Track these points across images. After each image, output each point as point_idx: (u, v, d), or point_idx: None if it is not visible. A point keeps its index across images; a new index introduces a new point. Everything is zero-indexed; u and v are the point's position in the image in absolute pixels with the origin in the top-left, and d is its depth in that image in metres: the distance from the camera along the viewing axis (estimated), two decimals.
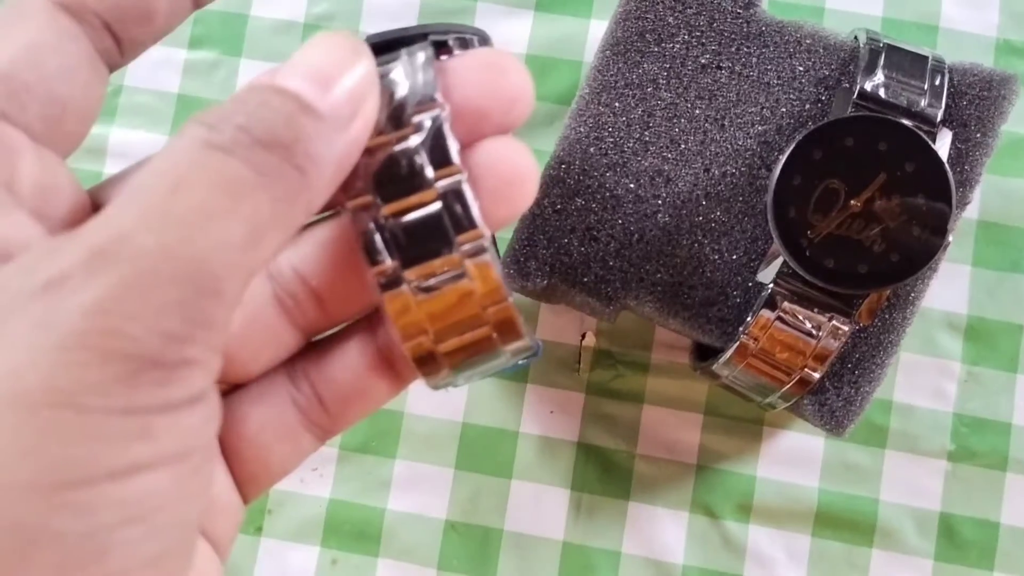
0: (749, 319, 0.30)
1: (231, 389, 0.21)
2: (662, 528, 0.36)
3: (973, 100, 0.31)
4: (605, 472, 0.36)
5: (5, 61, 0.17)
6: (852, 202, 0.29)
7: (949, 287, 0.36)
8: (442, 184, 0.18)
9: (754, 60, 0.31)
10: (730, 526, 0.36)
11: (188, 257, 0.15)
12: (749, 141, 0.31)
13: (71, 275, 0.14)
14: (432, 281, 0.18)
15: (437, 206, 0.18)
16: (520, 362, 0.21)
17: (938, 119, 0.29)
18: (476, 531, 0.36)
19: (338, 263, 0.20)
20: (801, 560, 0.35)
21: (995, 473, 0.35)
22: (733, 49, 0.31)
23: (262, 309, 0.20)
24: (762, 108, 0.31)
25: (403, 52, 0.19)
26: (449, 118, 0.18)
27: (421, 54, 0.19)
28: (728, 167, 0.31)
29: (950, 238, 0.29)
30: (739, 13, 0.31)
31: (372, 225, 0.18)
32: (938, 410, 0.36)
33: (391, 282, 0.18)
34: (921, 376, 0.36)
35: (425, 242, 0.18)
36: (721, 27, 0.31)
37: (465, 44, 0.21)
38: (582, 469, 0.36)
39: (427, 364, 0.19)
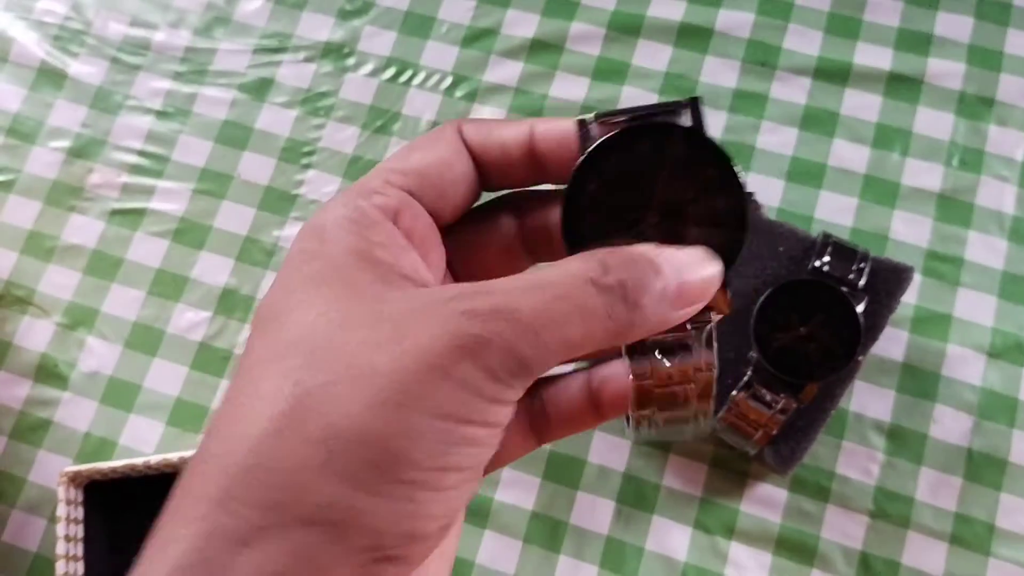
0: (734, 393, 0.50)
1: None
2: (673, 536, 0.54)
3: (885, 279, 0.51)
4: (640, 494, 0.55)
5: (425, 164, 0.25)
6: (801, 328, 0.49)
7: (880, 403, 0.55)
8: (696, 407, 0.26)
9: (754, 241, 0.52)
10: (719, 540, 0.54)
11: (535, 337, 0.21)
12: (745, 287, 0.51)
13: (470, 299, 0.21)
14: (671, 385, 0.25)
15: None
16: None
17: (860, 287, 0.49)
18: (551, 521, 0.55)
19: None
20: (765, 569, 0.53)
21: (901, 529, 0.53)
22: None
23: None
24: (755, 269, 0.52)
25: (690, 329, 0.25)
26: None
27: (707, 328, 0.25)
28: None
29: (860, 358, 0.49)
30: None
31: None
32: (865, 482, 0.54)
33: (640, 375, 0.25)
34: (856, 458, 0.54)
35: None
36: None
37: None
38: (625, 490, 0.55)
39: (640, 424, 0.26)
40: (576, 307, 0.21)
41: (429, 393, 0.20)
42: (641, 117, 0.25)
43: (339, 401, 0.20)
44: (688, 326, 0.24)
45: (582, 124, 0.25)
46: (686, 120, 0.25)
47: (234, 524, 0.20)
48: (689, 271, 0.23)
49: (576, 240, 0.25)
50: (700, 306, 0.23)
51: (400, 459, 0.20)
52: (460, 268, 0.27)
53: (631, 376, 0.25)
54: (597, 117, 0.25)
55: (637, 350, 0.25)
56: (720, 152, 0.25)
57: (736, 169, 0.25)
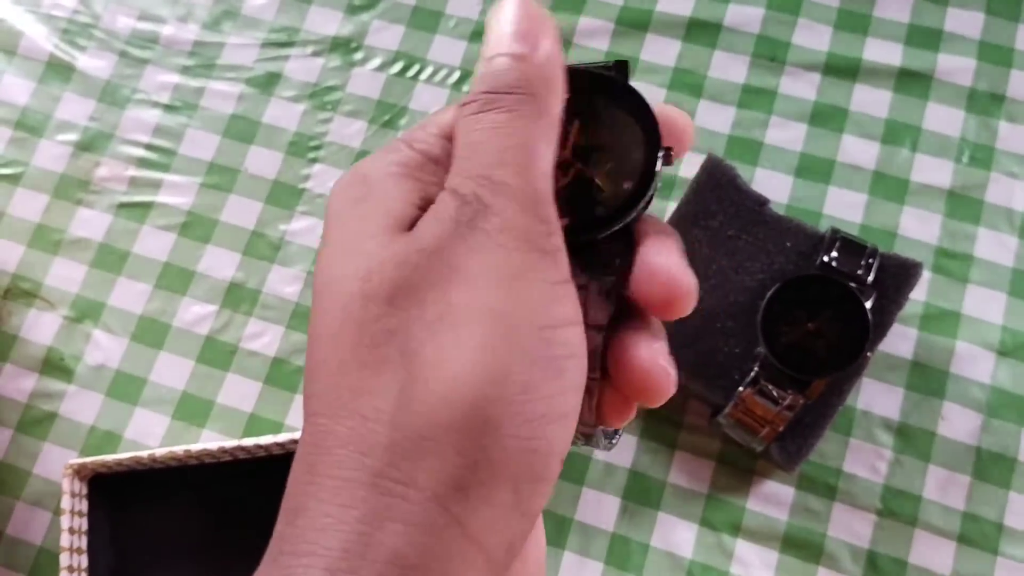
0: (741, 389, 0.49)
1: None
2: (679, 533, 0.54)
3: (893, 275, 0.51)
4: (645, 491, 0.55)
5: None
6: (808, 324, 0.49)
7: (888, 400, 0.54)
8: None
9: (761, 236, 0.52)
10: (725, 538, 0.53)
11: (501, 172, 0.23)
12: (752, 283, 0.51)
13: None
14: None
15: None
16: None
17: (868, 283, 0.49)
18: (556, 516, 0.54)
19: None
20: (770, 567, 0.53)
21: (908, 527, 0.53)
22: (750, 228, 0.52)
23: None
24: (762, 264, 0.51)
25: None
26: None
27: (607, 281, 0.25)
28: (739, 297, 0.51)
29: (868, 354, 0.48)
30: (756, 208, 0.52)
31: None
32: (872, 480, 0.53)
33: None
34: (863, 456, 0.54)
35: None
36: (744, 215, 0.52)
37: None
38: (631, 486, 0.55)
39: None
40: (492, 142, 0.23)
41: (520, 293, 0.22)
42: (571, 70, 0.26)
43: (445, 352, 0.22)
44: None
45: None
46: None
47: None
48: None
49: None
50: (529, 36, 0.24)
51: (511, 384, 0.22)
52: None
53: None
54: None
55: None
56: (639, 104, 0.26)
57: (652, 122, 0.25)
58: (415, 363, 0.21)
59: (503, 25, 0.24)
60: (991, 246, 0.57)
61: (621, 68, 0.27)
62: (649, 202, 0.25)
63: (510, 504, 0.22)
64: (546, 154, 0.23)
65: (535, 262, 0.22)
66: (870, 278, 0.49)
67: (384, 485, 0.21)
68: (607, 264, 0.25)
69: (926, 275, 0.56)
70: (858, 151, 0.59)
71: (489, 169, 0.23)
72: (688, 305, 0.25)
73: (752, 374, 0.49)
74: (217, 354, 0.59)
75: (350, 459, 0.21)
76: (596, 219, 0.25)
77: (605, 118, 0.26)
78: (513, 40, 0.24)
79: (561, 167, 0.25)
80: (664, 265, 0.25)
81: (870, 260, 0.50)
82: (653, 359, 0.25)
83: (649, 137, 0.25)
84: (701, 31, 0.62)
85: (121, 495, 0.56)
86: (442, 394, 0.21)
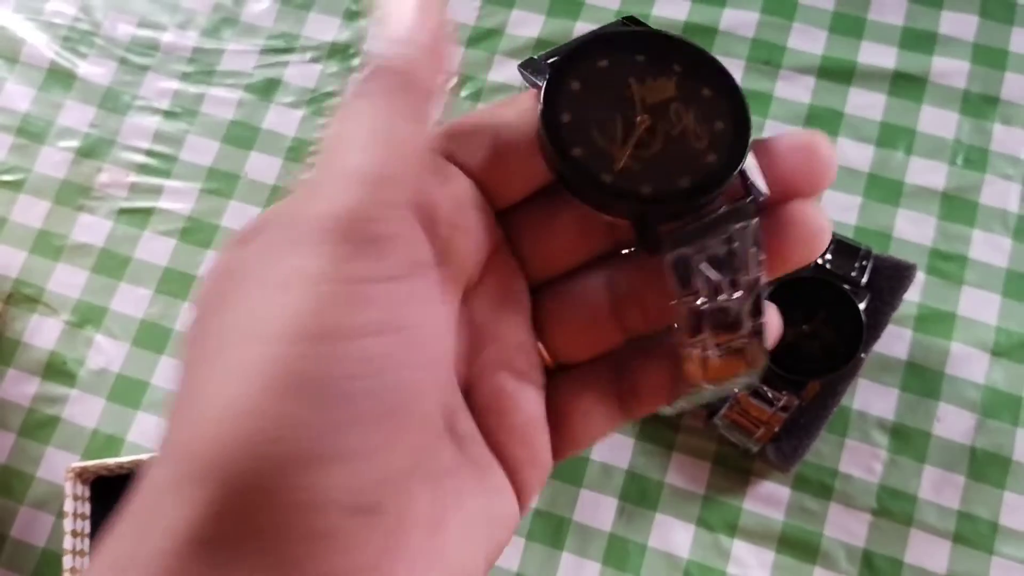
0: (736, 390, 0.50)
1: (563, 369, 0.25)
2: (676, 533, 0.54)
3: (887, 277, 0.51)
4: (643, 492, 0.55)
5: (470, 123, 0.24)
6: (803, 325, 0.49)
7: (883, 401, 0.55)
8: (751, 325, 0.23)
9: None
10: (721, 538, 0.54)
11: (370, 165, 0.20)
12: None
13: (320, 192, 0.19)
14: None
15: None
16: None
17: (862, 284, 0.50)
18: (554, 518, 0.55)
19: (660, 292, 0.23)
20: (767, 567, 0.53)
21: (904, 527, 0.53)
22: None
23: (599, 311, 0.25)
24: None
25: (732, 226, 0.22)
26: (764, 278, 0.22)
27: (751, 225, 0.22)
28: None
29: (863, 355, 0.49)
30: None
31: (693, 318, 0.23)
32: (868, 480, 0.54)
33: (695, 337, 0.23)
34: (859, 456, 0.54)
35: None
36: None
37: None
38: (628, 487, 0.55)
39: (692, 375, 0.24)
40: (361, 126, 0.21)
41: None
42: (581, 40, 0.24)
43: None
44: (729, 226, 0.22)
45: (526, 66, 0.24)
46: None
47: None
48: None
49: (577, 177, 0.23)
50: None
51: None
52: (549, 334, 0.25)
53: (674, 293, 0.23)
54: (541, 58, 0.24)
55: (679, 264, 0.22)
56: (679, 43, 0.24)
57: (704, 52, 0.24)
58: (196, 392, 0.19)
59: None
60: (985, 248, 0.57)
61: (634, 21, 0.25)
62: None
63: (269, 565, 0.17)
64: (403, 132, 0.21)
65: (341, 256, 0.19)
66: (864, 280, 0.50)
67: (138, 523, 0.18)
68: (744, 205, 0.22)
69: (920, 276, 0.56)
70: (853, 154, 0.59)
71: (328, 155, 0.20)
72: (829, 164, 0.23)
73: None
74: None
75: (140, 491, 0.19)
76: (713, 167, 0.23)
77: (656, 70, 0.23)
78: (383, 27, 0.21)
79: (643, 133, 0.23)
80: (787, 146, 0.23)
81: (864, 262, 0.50)
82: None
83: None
84: (696, 35, 0.63)
85: (123, 498, 0.56)
86: (199, 433, 0.18)
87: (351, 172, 0.19)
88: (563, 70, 0.23)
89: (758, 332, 0.23)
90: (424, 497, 0.21)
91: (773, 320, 0.24)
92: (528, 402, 0.24)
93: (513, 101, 0.24)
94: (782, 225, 0.23)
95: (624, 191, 0.22)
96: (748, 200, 0.22)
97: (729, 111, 0.23)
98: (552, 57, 0.24)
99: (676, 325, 0.23)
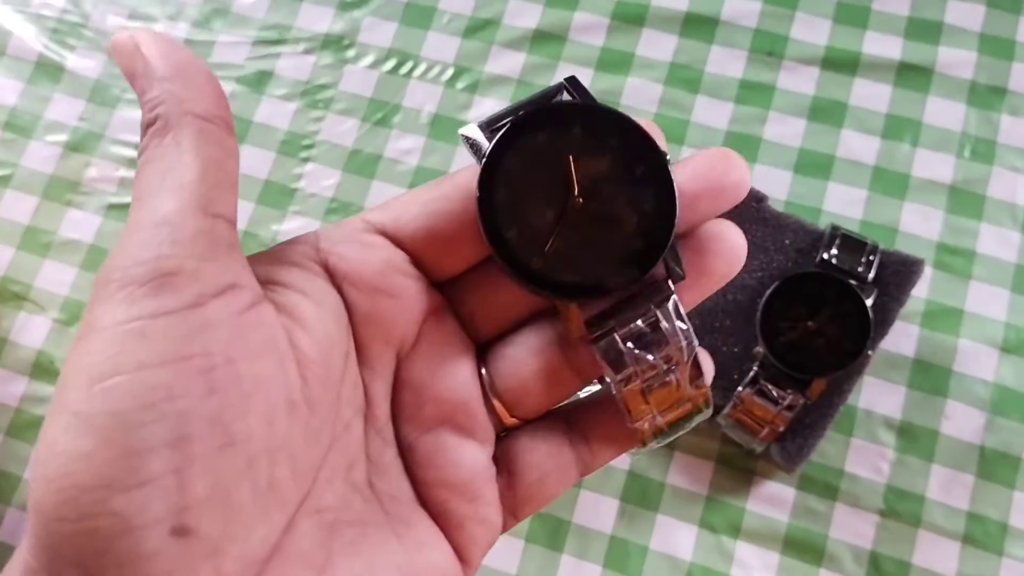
0: (740, 389, 0.49)
1: (520, 425, 0.26)
2: (678, 535, 0.53)
3: (894, 272, 0.50)
4: (644, 492, 0.54)
5: (406, 200, 0.25)
6: (808, 322, 0.48)
7: (890, 399, 0.53)
8: (694, 389, 0.25)
9: (760, 233, 0.51)
10: (725, 540, 0.53)
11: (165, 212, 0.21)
12: (751, 281, 0.50)
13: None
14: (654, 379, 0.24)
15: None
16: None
17: (869, 280, 0.48)
18: (553, 519, 0.54)
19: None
20: (771, 569, 0.52)
21: (911, 528, 0.52)
22: (748, 225, 0.51)
23: (552, 360, 0.26)
24: (761, 262, 0.50)
25: (654, 310, 0.24)
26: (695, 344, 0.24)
27: (671, 301, 0.24)
28: (737, 295, 0.50)
29: (869, 352, 0.48)
30: (753, 204, 0.51)
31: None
32: (874, 480, 0.53)
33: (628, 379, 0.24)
34: (865, 456, 0.53)
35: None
36: (741, 212, 0.51)
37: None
38: (629, 488, 0.54)
39: (644, 437, 0.25)
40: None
41: None
42: (524, 108, 0.24)
43: None
44: (651, 305, 0.24)
45: (467, 139, 0.25)
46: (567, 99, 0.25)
47: None
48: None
49: (507, 257, 0.24)
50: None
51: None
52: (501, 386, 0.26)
53: (613, 384, 0.24)
54: (481, 127, 0.25)
55: (609, 351, 0.24)
56: (617, 119, 0.24)
57: (640, 128, 0.24)
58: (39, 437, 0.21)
59: (122, 70, 0.23)
60: (993, 242, 0.56)
61: (574, 84, 0.25)
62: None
63: None
64: (182, 164, 0.22)
65: (131, 299, 0.20)
66: (871, 275, 0.48)
67: (12, 560, 0.21)
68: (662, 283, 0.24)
69: (928, 272, 0.55)
70: (858, 146, 0.58)
71: (132, 205, 0.22)
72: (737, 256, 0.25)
73: (751, 374, 0.48)
74: None
75: None
76: (637, 253, 0.24)
77: (593, 147, 0.24)
78: (130, 80, 0.23)
79: (574, 213, 0.24)
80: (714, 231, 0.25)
81: (871, 257, 0.49)
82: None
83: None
84: (698, 26, 0.61)
85: None
86: (34, 475, 0.20)
87: (135, 224, 0.21)
88: (501, 147, 0.24)
89: (701, 394, 0.25)
90: (309, 533, 0.22)
91: (708, 367, 0.25)
92: (471, 459, 0.25)
93: (453, 178, 0.25)
94: (702, 244, 0.24)
95: (550, 280, 0.24)
96: (667, 280, 0.24)
97: (658, 192, 0.24)
98: (499, 120, 0.24)
99: (620, 407, 0.24)
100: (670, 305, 0.24)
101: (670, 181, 0.24)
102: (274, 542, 0.22)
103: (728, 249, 0.24)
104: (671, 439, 0.26)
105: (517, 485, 0.26)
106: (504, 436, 0.26)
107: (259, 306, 0.22)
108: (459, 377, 0.25)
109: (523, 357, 0.26)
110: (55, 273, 0.61)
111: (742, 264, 0.25)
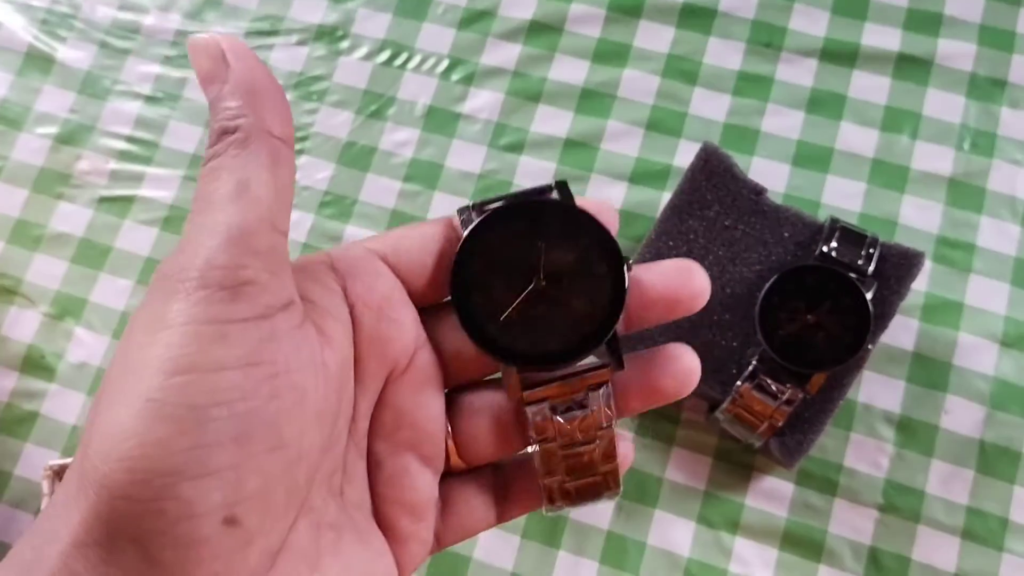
0: (738, 383, 0.48)
1: (466, 471, 0.29)
2: (676, 531, 0.52)
3: (894, 265, 0.49)
4: (642, 488, 0.53)
5: (400, 233, 0.28)
6: (808, 316, 0.47)
7: (889, 393, 0.53)
8: (604, 469, 0.28)
9: (758, 226, 0.50)
10: (723, 536, 0.52)
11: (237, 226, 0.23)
12: (750, 274, 0.50)
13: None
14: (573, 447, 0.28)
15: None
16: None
17: (868, 273, 0.48)
18: (549, 516, 0.53)
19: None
20: (770, 565, 0.51)
21: (911, 524, 0.51)
22: (746, 218, 0.51)
23: (504, 419, 0.28)
24: (760, 255, 0.50)
25: (587, 392, 0.27)
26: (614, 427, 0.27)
27: (605, 387, 0.27)
28: (736, 289, 0.50)
29: (869, 346, 0.47)
30: (752, 197, 0.51)
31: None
32: (874, 475, 0.52)
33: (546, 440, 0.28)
34: (864, 451, 0.52)
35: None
36: (740, 204, 0.51)
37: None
38: (626, 483, 0.53)
39: (553, 497, 0.28)
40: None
41: None
42: (514, 199, 0.28)
43: None
44: (586, 387, 0.27)
45: (462, 211, 0.28)
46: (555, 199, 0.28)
47: None
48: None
49: (467, 316, 0.27)
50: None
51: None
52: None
53: (534, 441, 0.27)
54: (474, 206, 0.28)
55: (537, 414, 0.27)
56: (592, 222, 0.27)
57: (609, 233, 0.27)
58: (98, 416, 0.22)
59: (197, 71, 0.24)
60: (993, 235, 0.55)
61: (562, 189, 0.28)
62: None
63: (144, 564, 0.21)
64: (260, 180, 0.23)
65: (205, 301, 0.22)
66: (870, 268, 0.48)
67: (44, 527, 0.22)
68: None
69: (927, 265, 0.54)
70: (857, 138, 0.58)
71: (197, 213, 0.23)
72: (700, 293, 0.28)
73: (750, 368, 0.48)
74: None
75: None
76: (583, 337, 0.27)
77: (563, 242, 0.27)
78: (206, 83, 0.24)
79: (535, 294, 0.27)
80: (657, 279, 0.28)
81: (870, 250, 0.48)
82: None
83: (610, 253, 0.27)
84: (695, 17, 0.61)
85: None
86: (92, 451, 0.21)
87: (211, 228, 0.22)
88: (487, 224, 0.27)
89: (611, 472, 0.28)
90: (305, 532, 0.24)
91: (628, 455, 0.28)
92: (425, 485, 0.28)
93: (442, 222, 0.28)
94: (658, 361, 0.27)
95: (500, 345, 0.27)
96: (606, 368, 0.27)
97: (612, 291, 0.27)
98: (491, 203, 0.28)
99: (535, 463, 0.28)
100: (601, 392, 0.27)
101: (623, 284, 0.27)
102: (285, 538, 0.24)
103: (681, 371, 0.27)
104: (575, 508, 0.29)
105: (448, 517, 0.29)
106: (446, 472, 0.29)
107: (307, 323, 0.24)
108: (434, 411, 0.28)
109: (482, 409, 0.28)
110: (45, 267, 0.60)
111: (693, 387, 0.27)
